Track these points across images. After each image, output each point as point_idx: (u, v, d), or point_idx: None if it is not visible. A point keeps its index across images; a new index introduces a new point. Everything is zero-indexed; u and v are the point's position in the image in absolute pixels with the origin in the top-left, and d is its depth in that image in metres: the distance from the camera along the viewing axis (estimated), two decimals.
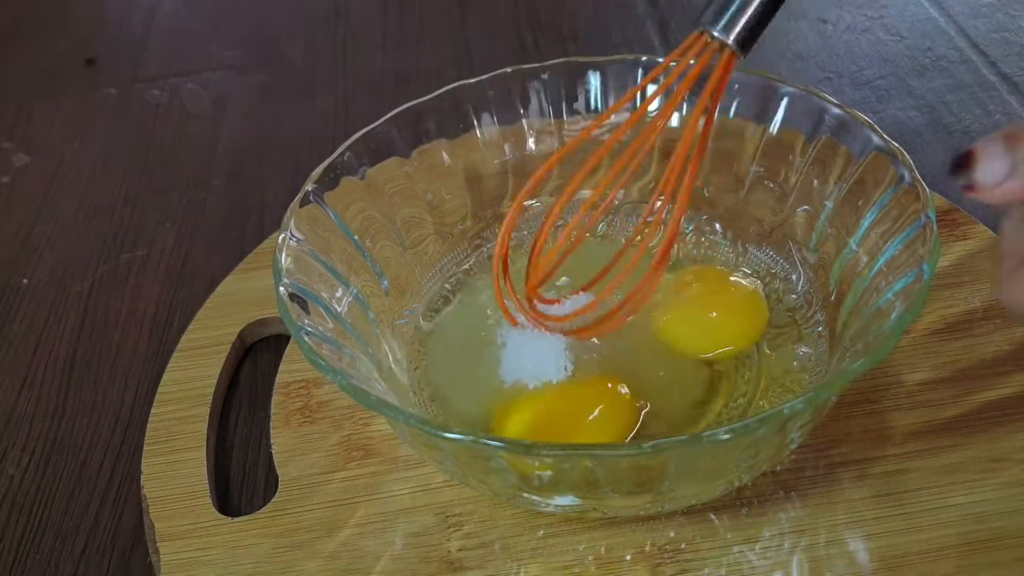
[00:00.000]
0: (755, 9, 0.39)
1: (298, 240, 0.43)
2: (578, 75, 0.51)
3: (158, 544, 0.43)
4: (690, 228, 0.51)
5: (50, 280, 0.60)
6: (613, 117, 0.48)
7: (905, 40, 0.71)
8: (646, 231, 0.45)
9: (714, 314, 0.47)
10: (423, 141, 0.49)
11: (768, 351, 0.46)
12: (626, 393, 0.43)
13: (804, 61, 0.70)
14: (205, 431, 0.48)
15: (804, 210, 0.47)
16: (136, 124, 0.73)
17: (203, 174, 0.67)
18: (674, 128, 0.50)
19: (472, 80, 0.50)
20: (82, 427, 0.51)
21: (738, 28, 0.39)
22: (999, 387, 0.45)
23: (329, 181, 0.45)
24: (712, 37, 0.39)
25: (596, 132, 0.46)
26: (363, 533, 0.43)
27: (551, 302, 0.44)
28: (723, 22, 0.39)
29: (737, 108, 0.49)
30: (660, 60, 0.50)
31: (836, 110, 0.45)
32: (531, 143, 0.52)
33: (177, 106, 0.75)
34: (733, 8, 0.39)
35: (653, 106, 0.43)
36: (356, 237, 0.46)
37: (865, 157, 0.44)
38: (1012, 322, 0.42)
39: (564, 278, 0.47)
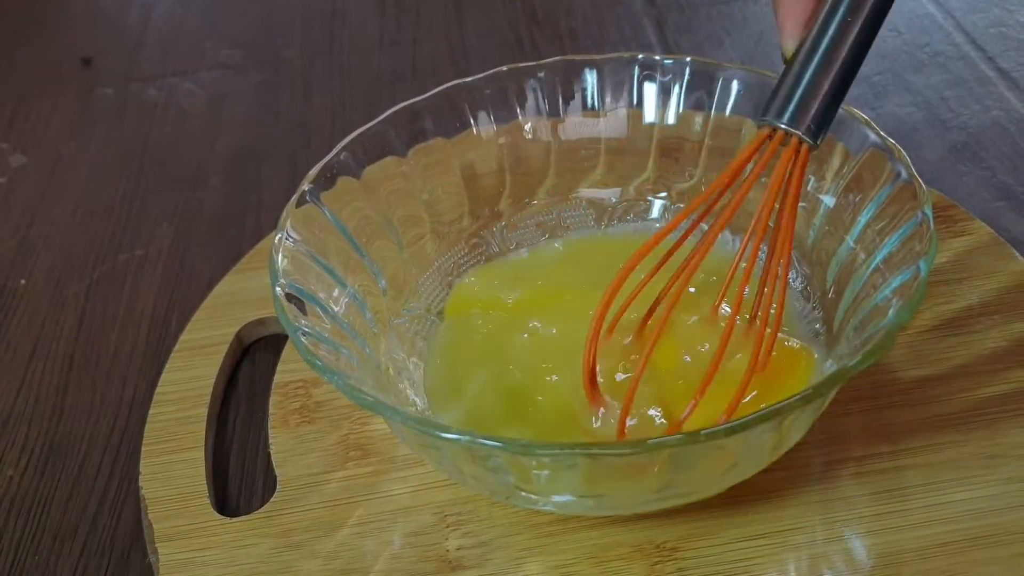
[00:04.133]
0: (824, 96, 0.37)
1: (294, 240, 0.43)
2: (575, 73, 0.51)
3: (157, 544, 0.43)
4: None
5: (47, 281, 0.60)
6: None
7: (903, 36, 0.71)
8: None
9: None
10: (420, 140, 0.49)
11: None
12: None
13: None
14: (203, 431, 0.48)
15: (801, 207, 0.47)
16: (133, 124, 0.73)
17: (200, 174, 0.67)
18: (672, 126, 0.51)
19: (469, 79, 0.50)
20: (80, 428, 0.51)
21: (809, 118, 0.38)
22: (997, 383, 0.45)
23: (325, 181, 0.45)
24: (782, 131, 0.38)
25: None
26: (361, 533, 0.43)
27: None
28: (789, 113, 0.38)
29: (735, 105, 0.49)
30: (657, 58, 0.50)
31: None
32: (528, 141, 0.52)
33: (174, 105, 0.75)
34: (798, 97, 0.37)
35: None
36: (353, 237, 0.46)
37: (862, 154, 0.44)
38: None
39: None
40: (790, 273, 0.47)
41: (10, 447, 0.50)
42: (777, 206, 0.40)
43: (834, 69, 0.37)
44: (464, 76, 0.50)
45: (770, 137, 0.39)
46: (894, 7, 0.38)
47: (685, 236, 0.42)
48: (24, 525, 0.47)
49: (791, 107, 0.38)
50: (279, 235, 0.42)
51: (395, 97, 0.49)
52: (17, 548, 0.46)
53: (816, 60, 0.37)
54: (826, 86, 0.37)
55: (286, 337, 0.51)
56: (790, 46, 0.38)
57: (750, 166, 0.39)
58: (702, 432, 0.33)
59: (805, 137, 0.38)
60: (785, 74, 0.38)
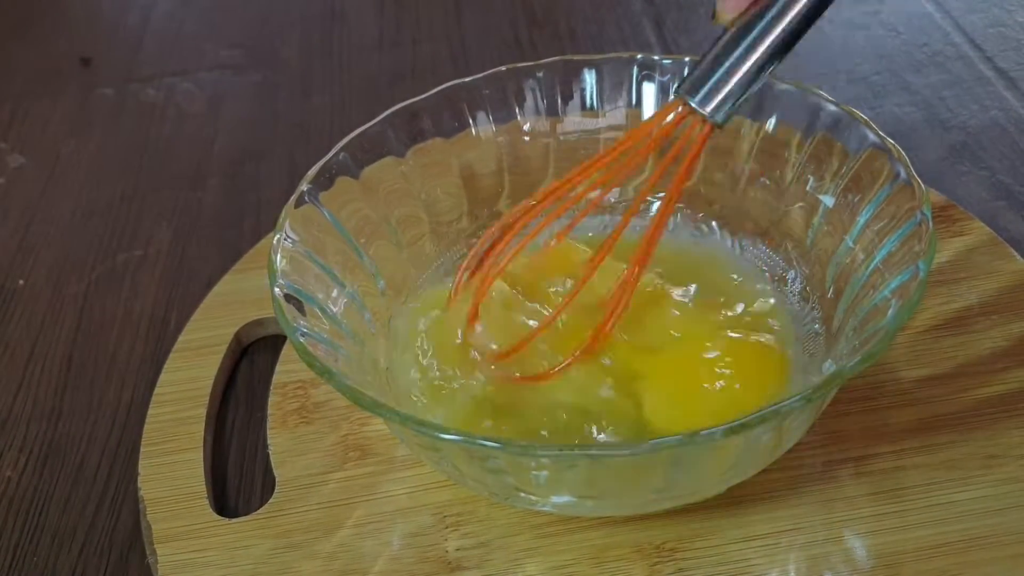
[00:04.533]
0: (737, 82, 0.38)
1: (293, 241, 0.42)
2: (574, 73, 0.51)
3: (155, 545, 0.43)
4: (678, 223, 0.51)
5: (46, 281, 0.60)
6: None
7: (901, 36, 0.71)
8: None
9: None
10: (418, 140, 0.49)
11: None
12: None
13: (800, 57, 0.69)
14: (202, 432, 0.48)
15: (800, 207, 0.47)
16: (132, 124, 0.73)
17: (199, 174, 0.67)
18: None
19: (467, 79, 0.50)
20: (79, 428, 0.51)
21: (717, 100, 0.39)
22: (996, 383, 0.45)
23: (324, 181, 0.45)
24: (691, 108, 0.39)
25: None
26: (361, 533, 0.43)
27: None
28: (702, 93, 0.39)
29: None
30: (656, 57, 0.50)
31: (831, 107, 0.45)
32: (527, 141, 0.52)
33: (173, 106, 0.75)
34: (714, 79, 0.38)
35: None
36: (352, 237, 0.46)
37: (861, 154, 0.44)
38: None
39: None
40: (789, 271, 0.47)
41: (8, 447, 0.50)
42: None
43: (756, 57, 0.38)
44: (463, 76, 0.50)
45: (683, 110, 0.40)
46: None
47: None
48: (23, 526, 0.47)
49: (706, 87, 0.39)
50: (278, 235, 0.42)
51: (394, 97, 0.49)
52: (16, 549, 0.46)
53: (745, 45, 0.38)
54: (744, 73, 0.38)
55: (285, 337, 0.50)
56: (727, 16, 0.38)
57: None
58: (701, 432, 0.33)
59: (712, 118, 0.39)
60: (714, 50, 0.39)
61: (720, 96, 0.38)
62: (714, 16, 0.39)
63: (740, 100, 0.39)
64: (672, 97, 0.40)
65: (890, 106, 0.65)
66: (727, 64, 0.38)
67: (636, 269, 0.41)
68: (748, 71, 0.38)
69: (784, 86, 0.47)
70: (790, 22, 0.37)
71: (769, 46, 0.38)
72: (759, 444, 0.38)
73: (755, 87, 0.39)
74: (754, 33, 0.38)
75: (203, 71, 0.78)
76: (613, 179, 0.42)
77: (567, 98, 0.51)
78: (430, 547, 0.42)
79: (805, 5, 0.37)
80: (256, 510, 0.44)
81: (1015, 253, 0.51)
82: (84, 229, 0.64)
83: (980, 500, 0.41)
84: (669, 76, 0.50)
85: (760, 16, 0.38)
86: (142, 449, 0.47)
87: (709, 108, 0.39)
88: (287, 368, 0.50)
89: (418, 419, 0.36)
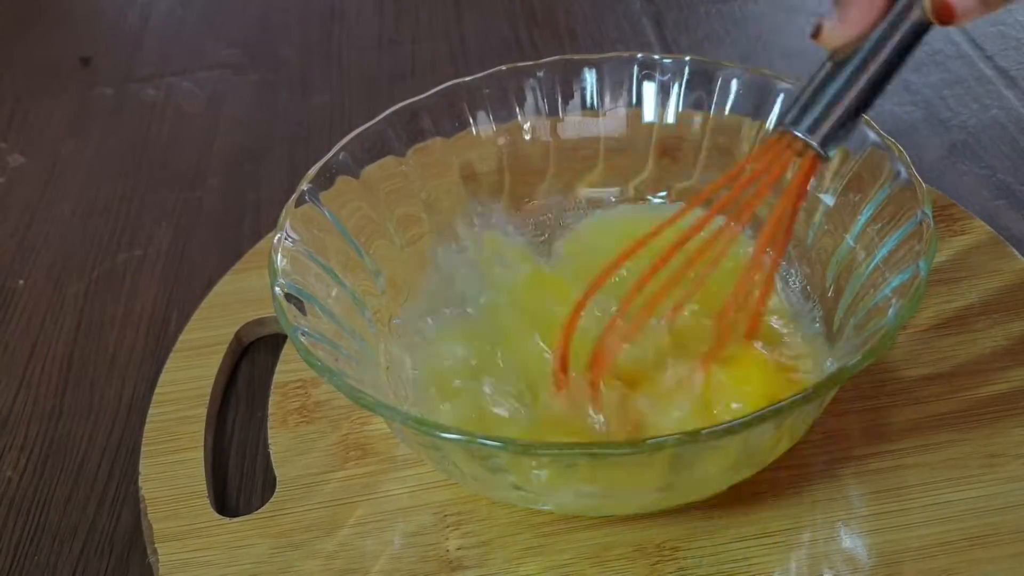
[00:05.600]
0: (842, 111, 0.37)
1: (294, 240, 0.43)
2: (574, 72, 0.51)
3: (156, 545, 0.43)
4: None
5: (46, 281, 0.60)
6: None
7: None
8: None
9: None
10: (419, 140, 0.49)
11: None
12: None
13: (801, 57, 0.69)
14: (203, 431, 0.48)
15: (800, 206, 0.47)
16: (132, 123, 0.73)
17: (199, 173, 0.67)
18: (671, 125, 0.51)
19: (468, 78, 0.50)
20: (79, 428, 0.51)
21: (823, 130, 0.38)
22: (996, 382, 0.45)
23: (324, 180, 0.45)
24: (795, 138, 0.38)
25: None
26: (361, 533, 0.43)
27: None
28: (807, 123, 0.38)
29: (734, 104, 0.49)
30: (656, 57, 0.50)
31: None
32: (527, 141, 0.52)
33: (173, 105, 0.75)
34: (818, 109, 0.38)
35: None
36: (352, 236, 0.46)
37: (861, 153, 0.44)
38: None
39: None
40: (790, 271, 0.47)
41: (9, 447, 0.50)
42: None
43: (863, 85, 0.37)
44: (463, 76, 0.50)
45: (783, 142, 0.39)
46: None
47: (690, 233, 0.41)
48: (23, 526, 0.47)
49: (808, 117, 0.38)
50: (278, 235, 0.42)
51: (394, 97, 0.49)
52: (16, 549, 0.46)
53: (854, 74, 0.37)
54: (851, 101, 0.37)
55: (285, 337, 0.51)
56: (833, 41, 0.37)
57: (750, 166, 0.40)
58: (702, 431, 0.33)
59: (817, 148, 0.38)
60: (822, 82, 0.38)
61: (827, 124, 0.38)
62: (815, 34, 0.37)
63: (844, 130, 0.38)
64: (773, 130, 0.39)
65: (890, 105, 0.65)
66: (833, 94, 0.37)
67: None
68: (858, 96, 0.37)
69: (786, 85, 0.47)
70: (889, 54, 0.37)
71: (874, 76, 0.37)
72: (760, 443, 0.38)
73: (861, 114, 0.38)
74: (857, 63, 0.37)
75: (203, 70, 0.78)
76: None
77: (567, 97, 0.51)
78: (431, 546, 0.42)
79: (904, 36, 0.37)
80: (257, 509, 0.44)
81: (1016, 252, 0.51)
82: (84, 229, 0.64)
83: (981, 499, 0.41)
84: (669, 75, 0.50)
85: (862, 47, 0.37)
86: (143, 448, 0.47)
87: (817, 137, 0.38)
88: (288, 367, 0.50)
89: (418, 418, 0.36)
